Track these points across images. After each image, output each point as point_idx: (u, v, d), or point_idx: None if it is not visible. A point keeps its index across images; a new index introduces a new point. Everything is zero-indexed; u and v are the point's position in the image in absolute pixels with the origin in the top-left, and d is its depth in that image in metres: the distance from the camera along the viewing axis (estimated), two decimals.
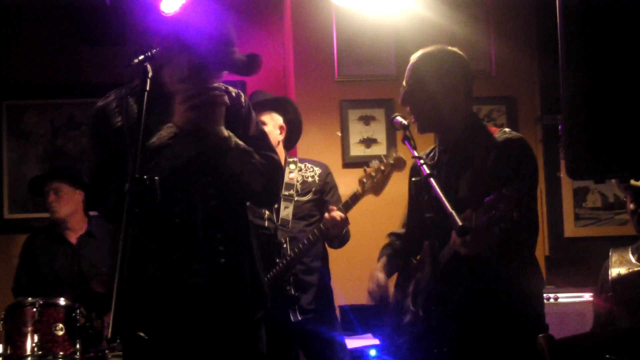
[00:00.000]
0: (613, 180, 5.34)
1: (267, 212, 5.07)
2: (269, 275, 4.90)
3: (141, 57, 3.14)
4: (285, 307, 4.96)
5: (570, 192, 6.79)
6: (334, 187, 5.26)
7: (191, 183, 3.49)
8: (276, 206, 5.07)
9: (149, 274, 3.21)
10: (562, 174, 6.59)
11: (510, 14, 6.79)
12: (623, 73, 2.72)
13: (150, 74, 3.10)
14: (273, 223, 5.06)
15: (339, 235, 4.96)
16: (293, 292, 4.96)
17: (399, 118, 3.81)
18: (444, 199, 3.33)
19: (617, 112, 2.73)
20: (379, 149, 6.58)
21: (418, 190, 3.64)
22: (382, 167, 4.70)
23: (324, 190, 5.20)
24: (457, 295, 3.63)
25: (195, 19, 3.71)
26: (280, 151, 5.22)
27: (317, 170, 5.25)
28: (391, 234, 4.36)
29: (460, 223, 3.21)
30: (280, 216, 5.07)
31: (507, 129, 3.85)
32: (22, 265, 6.18)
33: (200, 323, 3.50)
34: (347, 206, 4.90)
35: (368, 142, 6.66)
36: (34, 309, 5.27)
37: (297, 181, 5.17)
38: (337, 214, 4.86)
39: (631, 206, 4.90)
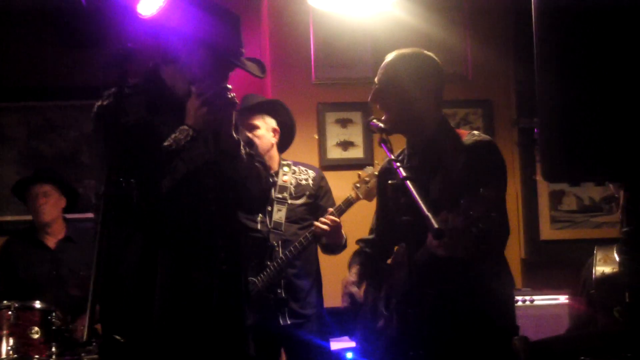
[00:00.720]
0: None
1: (260, 215, 5.07)
2: (259, 278, 4.91)
3: (119, 59, 3.15)
4: (275, 309, 4.96)
5: (546, 195, 6.81)
6: (328, 192, 5.26)
7: (197, 188, 3.49)
8: (269, 209, 5.08)
9: (158, 280, 3.22)
10: (538, 177, 6.61)
11: (487, 17, 6.81)
12: (598, 76, 2.73)
13: (127, 76, 3.11)
14: (266, 226, 5.07)
15: (334, 241, 4.96)
16: (283, 295, 4.97)
17: (375, 121, 3.82)
18: (420, 201, 3.34)
19: (592, 115, 2.74)
20: (356, 152, 6.59)
21: (394, 193, 3.64)
22: (376, 173, 4.70)
23: (318, 195, 5.20)
24: (431, 298, 3.63)
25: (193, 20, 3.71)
26: (274, 154, 5.26)
27: (311, 174, 5.26)
28: (360, 241, 4.35)
29: (436, 226, 3.22)
30: (273, 219, 5.08)
31: (475, 132, 3.88)
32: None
33: (199, 328, 3.49)
34: (340, 211, 4.93)
35: (345, 144, 6.66)
36: (10, 312, 5.24)
37: (291, 184, 5.18)
38: (329, 219, 4.85)
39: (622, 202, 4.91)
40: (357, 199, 4.87)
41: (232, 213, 3.74)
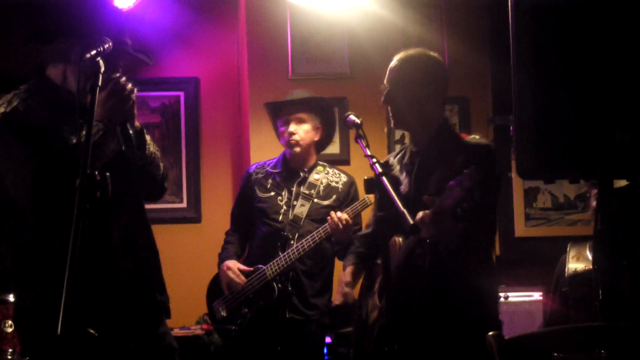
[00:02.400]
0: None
1: (284, 207, 5.11)
2: (270, 267, 4.93)
3: (93, 52, 3.12)
4: (279, 300, 4.97)
5: (521, 192, 6.84)
6: (355, 199, 5.19)
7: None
8: (295, 202, 5.10)
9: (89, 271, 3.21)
10: (513, 174, 6.63)
11: (463, 14, 6.82)
12: (572, 74, 2.75)
13: (102, 69, 3.08)
14: (287, 217, 5.12)
15: (345, 239, 4.96)
16: (290, 289, 4.98)
17: (352, 117, 3.85)
18: (395, 197, 3.37)
19: (566, 113, 2.76)
20: (333, 148, 6.57)
21: (369, 189, 3.67)
22: None
23: (345, 201, 5.19)
24: (420, 287, 3.77)
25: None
26: (312, 152, 5.30)
27: (343, 178, 5.27)
28: (358, 238, 4.50)
29: (411, 222, 3.27)
30: (294, 212, 5.10)
31: (477, 136, 4.06)
32: None
33: (123, 315, 3.55)
34: (354, 210, 4.93)
35: None
36: None
37: (321, 183, 5.19)
38: (343, 216, 4.85)
39: (594, 204, 4.98)
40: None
41: (139, 200, 3.78)
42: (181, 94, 7.11)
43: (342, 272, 4.43)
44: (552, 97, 2.75)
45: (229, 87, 7.09)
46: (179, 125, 7.08)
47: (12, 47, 6.91)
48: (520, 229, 6.84)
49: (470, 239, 3.74)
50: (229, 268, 5.09)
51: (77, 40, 3.46)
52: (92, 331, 3.04)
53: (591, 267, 4.84)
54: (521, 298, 5.98)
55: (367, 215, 4.78)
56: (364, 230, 4.52)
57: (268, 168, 5.32)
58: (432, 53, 4.11)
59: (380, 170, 3.52)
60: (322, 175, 5.24)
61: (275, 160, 5.37)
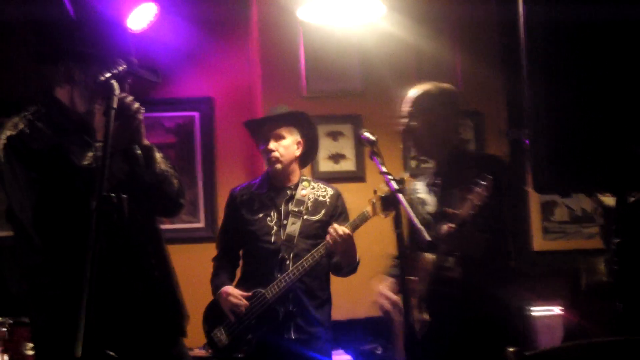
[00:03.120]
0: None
1: (275, 227, 5.06)
2: (269, 290, 4.89)
3: (108, 75, 3.13)
4: (283, 323, 4.94)
5: (537, 205, 6.83)
6: (344, 212, 5.17)
7: None
8: (285, 222, 5.06)
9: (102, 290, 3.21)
10: (529, 188, 6.62)
11: (476, 29, 6.83)
12: (586, 88, 2.74)
13: (117, 92, 3.08)
14: (279, 238, 5.05)
15: (347, 260, 4.94)
16: (292, 309, 4.94)
17: (366, 134, 3.86)
18: (412, 214, 3.38)
19: (581, 126, 2.75)
20: (348, 165, 6.60)
21: (385, 206, 3.72)
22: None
23: (334, 214, 5.15)
24: (454, 298, 4.04)
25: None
26: (296, 167, 5.21)
27: (330, 192, 5.19)
28: (392, 257, 4.58)
29: (428, 238, 3.28)
30: (287, 232, 5.02)
31: (484, 152, 4.27)
32: None
33: (136, 336, 3.53)
34: (354, 226, 4.86)
35: (336, 157, 6.67)
36: (4, 329, 5.23)
37: (309, 199, 5.11)
38: (342, 229, 4.82)
39: (602, 221, 5.02)
40: (374, 214, 4.83)
41: (154, 219, 3.77)
42: (196, 114, 7.13)
43: (382, 281, 4.50)
44: (566, 111, 2.75)
45: (243, 106, 7.10)
46: (194, 145, 7.09)
47: (19, 68, 6.95)
48: (538, 242, 6.82)
49: (491, 248, 3.99)
50: (228, 294, 5.00)
51: (83, 61, 3.47)
52: (111, 353, 3.04)
53: (606, 280, 4.85)
54: (540, 313, 5.95)
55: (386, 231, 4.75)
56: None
57: (253, 189, 5.22)
58: (447, 86, 4.42)
59: (396, 187, 3.53)
60: (309, 191, 5.16)
61: (258, 180, 5.28)
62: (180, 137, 7.08)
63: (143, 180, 3.52)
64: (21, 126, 3.47)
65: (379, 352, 6.00)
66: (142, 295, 3.56)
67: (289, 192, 5.14)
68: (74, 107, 3.53)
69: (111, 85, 3.09)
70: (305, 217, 5.06)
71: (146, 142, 3.56)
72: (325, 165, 6.65)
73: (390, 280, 4.47)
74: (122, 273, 3.48)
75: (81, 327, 2.68)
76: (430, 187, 4.37)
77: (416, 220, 3.41)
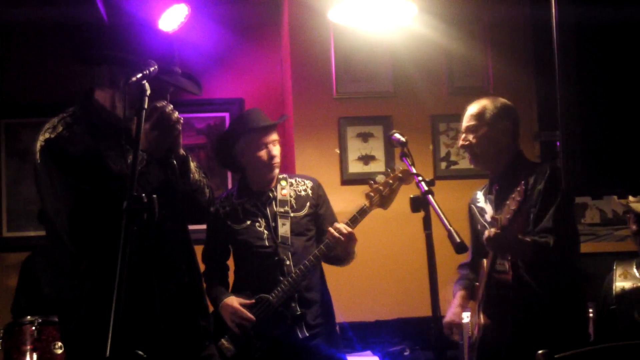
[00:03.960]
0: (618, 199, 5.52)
1: (266, 232, 5.04)
2: (273, 295, 4.88)
3: (139, 76, 3.13)
4: (292, 324, 4.93)
5: None
6: (326, 200, 5.20)
7: None
8: (273, 224, 5.05)
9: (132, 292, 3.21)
10: None
11: (507, 31, 6.80)
12: (618, 89, 2.72)
13: (148, 92, 3.09)
14: (273, 241, 5.03)
15: (347, 253, 4.95)
16: (299, 311, 4.94)
17: (397, 135, 3.86)
18: (442, 215, 3.37)
19: (613, 128, 2.73)
20: (378, 166, 6.59)
21: (416, 207, 3.68)
22: (390, 181, 4.68)
23: (318, 204, 5.15)
24: (509, 301, 4.13)
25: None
26: None
27: (309, 184, 5.19)
28: (461, 266, 4.79)
29: (458, 240, 3.28)
30: (279, 233, 5.01)
31: (547, 161, 4.34)
32: (21, 285, 6.16)
33: (167, 343, 3.54)
34: (354, 221, 4.84)
35: (366, 159, 6.67)
36: (33, 327, 5.27)
37: (291, 197, 5.11)
38: (343, 227, 4.82)
39: (633, 227, 5.07)
40: (372, 207, 4.82)
41: (184, 226, 3.78)
42: (226, 115, 7.15)
43: (454, 295, 4.65)
44: (599, 112, 2.73)
45: (273, 108, 7.10)
46: None
47: (56, 70, 7.00)
48: None
49: (542, 251, 4.07)
50: (233, 308, 4.93)
51: (125, 65, 3.43)
52: (140, 353, 3.05)
53: (639, 284, 4.84)
54: None
55: (394, 228, 4.75)
56: (466, 260, 4.72)
57: (233, 199, 5.16)
58: (501, 99, 4.56)
59: (426, 188, 3.52)
60: (288, 190, 5.14)
61: (235, 189, 5.25)
62: (210, 138, 7.10)
63: (177, 189, 3.53)
64: (59, 129, 3.47)
65: (406, 353, 5.99)
66: (172, 299, 3.57)
67: (270, 194, 5.11)
68: (113, 111, 3.53)
69: (143, 86, 3.10)
70: (292, 215, 5.06)
71: (183, 152, 3.57)
72: (355, 166, 6.65)
73: (460, 294, 4.63)
74: (152, 275, 3.49)
75: (111, 328, 2.69)
76: (487, 196, 4.54)
77: (447, 222, 3.40)
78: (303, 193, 5.14)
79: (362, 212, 4.83)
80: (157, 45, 3.60)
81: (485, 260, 4.25)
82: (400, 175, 4.64)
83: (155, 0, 5.92)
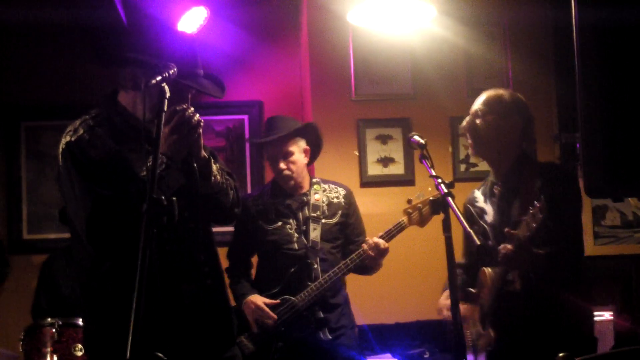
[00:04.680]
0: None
1: (296, 234, 5.06)
2: (299, 297, 4.89)
3: (158, 78, 3.13)
4: (316, 328, 4.94)
5: (589, 210, 6.76)
6: (356, 209, 5.24)
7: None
8: (304, 228, 5.07)
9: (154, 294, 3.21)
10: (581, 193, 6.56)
11: (527, 32, 6.78)
12: (639, 91, 2.71)
13: (167, 95, 3.09)
14: (303, 245, 5.04)
15: (377, 264, 4.96)
16: (322, 316, 4.95)
17: (416, 137, 3.84)
18: (462, 217, 3.37)
19: (634, 130, 2.72)
20: (397, 168, 6.58)
21: (435, 209, 3.67)
22: (431, 198, 4.69)
23: (349, 213, 5.18)
24: (518, 312, 4.02)
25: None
26: (306, 174, 5.24)
27: (342, 192, 5.22)
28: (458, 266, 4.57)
29: (478, 242, 3.28)
30: (310, 237, 5.04)
31: (554, 161, 4.17)
32: (41, 287, 6.18)
33: (190, 344, 3.54)
34: (390, 235, 4.87)
35: (385, 161, 6.66)
36: (54, 330, 5.28)
37: (323, 202, 5.13)
38: (382, 243, 4.85)
39: None
40: (409, 224, 4.84)
41: (208, 228, 3.77)
42: (245, 117, 7.15)
43: (442, 295, 4.49)
44: (619, 114, 2.71)
45: (292, 110, 7.10)
46: (244, 148, 7.12)
47: (76, 73, 7.02)
48: (589, 247, 6.74)
49: (555, 261, 3.94)
50: (256, 306, 4.97)
51: (148, 68, 3.39)
52: (160, 355, 3.05)
53: None
54: None
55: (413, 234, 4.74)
56: (460, 261, 4.49)
57: (266, 198, 5.21)
58: (519, 95, 4.34)
59: (445, 190, 3.51)
60: (321, 195, 5.18)
61: (269, 188, 5.29)
62: (230, 140, 7.11)
63: (198, 191, 3.53)
64: (81, 132, 3.47)
65: (426, 356, 5.98)
66: (195, 301, 3.57)
67: (304, 198, 5.16)
68: (136, 113, 3.51)
69: (162, 89, 3.10)
70: (323, 221, 5.08)
71: (204, 154, 3.56)
72: (374, 168, 6.64)
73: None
74: (174, 277, 3.49)
75: (131, 330, 2.69)
76: (488, 196, 4.33)
77: (466, 225, 3.39)
78: (335, 200, 5.16)
79: (399, 228, 4.86)
80: (181, 48, 3.60)
81: (487, 270, 4.14)
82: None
83: (174, 3, 5.93)
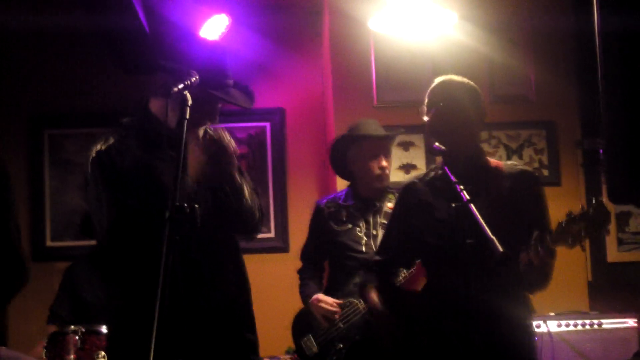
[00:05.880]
0: None
1: (365, 238, 5.09)
2: (362, 301, 4.91)
3: (181, 86, 3.14)
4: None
5: (612, 216, 6.73)
6: None
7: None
8: (374, 232, 5.10)
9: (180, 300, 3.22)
10: (604, 199, 6.52)
11: (549, 38, 6.75)
12: None
13: (189, 103, 3.10)
14: (371, 249, 5.06)
15: None
16: None
17: (437, 144, 3.82)
18: (484, 224, 3.35)
19: None
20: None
21: (458, 216, 3.62)
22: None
23: None
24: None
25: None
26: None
27: None
28: (374, 265, 4.37)
29: (500, 249, 3.25)
30: (378, 243, 5.06)
31: (515, 162, 4.03)
32: (62, 293, 6.19)
33: (211, 353, 3.56)
34: None
35: (407, 167, 6.65)
36: (77, 337, 5.28)
37: None
38: None
39: None
40: None
41: (234, 239, 3.79)
42: (267, 124, 7.17)
43: (366, 294, 4.38)
44: None
45: (314, 117, 7.12)
46: (266, 155, 7.14)
47: (99, 81, 7.06)
48: (613, 254, 6.71)
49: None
50: (320, 300, 5.05)
51: (179, 75, 3.40)
52: None
53: None
54: (615, 325, 5.85)
55: None
56: (378, 257, 4.32)
57: (339, 202, 5.27)
58: (470, 81, 4.05)
59: (467, 197, 3.50)
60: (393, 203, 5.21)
61: (344, 193, 5.34)
62: (251, 147, 7.13)
63: (232, 207, 3.56)
64: (111, 141, 3.51)
65: None
66: (218, 310, 3.57)
67: (377, 203, 5.20)
68: (167, 121, 3.48)
69: (185, 96, 3.11)
70: None
71: (238, 181, 3.59)
72: (396, 175, 6.61)
73: (373, 292, 4.35)
74: (199, 285, 3.49)
75: (153, 338, 2.70)
76: (440, 191, 3.90)
77: (488, 231, 3.36)
78: None
79: None
80: (211, 58, 3.62)
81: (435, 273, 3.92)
82: None
83: (196, 10, 5.95)
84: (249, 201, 3.66)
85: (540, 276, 3.63)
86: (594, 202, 3.35)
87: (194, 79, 3.22)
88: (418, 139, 6.64)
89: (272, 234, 7.07)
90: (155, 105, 3.61)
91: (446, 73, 4.11)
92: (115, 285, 3.52)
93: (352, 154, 5.24)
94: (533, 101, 6.73)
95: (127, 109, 3.75)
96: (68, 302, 6.11)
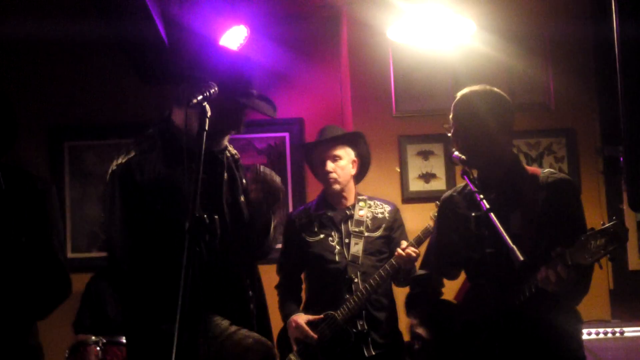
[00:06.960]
0: None
1: (337, 247, 5.09)
2: (339, 312, 4.91)
3: (200, 97, 3.14)
4: (358, 342, 4.96)
5: (633, 224, 6.69)
6: (402, 226, 5.27)
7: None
8: (347, 241, 5.09)
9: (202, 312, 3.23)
10: (625, 206, 6.50)
11: (568, 46, 6.74)
12: None
13: (209, 114, 3.10)
14: (344, 258, 5.07)
15: (409, 270, 4.95)
16: (366, 328, 4.96)
17: (457, 153, 3.81)
18: (504, 233, 3.34)
19: None
20: (438, 184, 6.56)
21: (477, 226, 3.62)
22: None
23: (393, 228, 5.20)
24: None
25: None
26: (352, 186, 5.31)
27: (387, 208, 5.27)
28: (414, 280, 4.40)
29: (521, 258, 3.23)
30: (351, 252, 5.07)
31: (552, 169, 3.87)
32: (85, 305, 6.20)
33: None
34: (418, 241, 4.93)
35: (427, 177, 6.64)
36: (98, 348, 5.31)
37: (367, 217, 5.18)
38: (411, 250, 4.87)
39: None
40: None
41: (251, 252, 3.83)
42: (286, 134, 7.17)
43: (409, 312, 4.23)
44: None
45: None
46: (285, 165, 7.14)
47: (119, 93, 7.08)
48: (634, 261, 6.68)
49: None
50: (297, 324, 5.02)
51: (200, 85, 3.34)
52: None
53: None
54: (637, 333, 5.82)
55: None
56: (422, 272, 4.27)
57: (310, 211, 5.28)
58: (496, 89, 3.96)
59: (487, 206, 3.49)
60: (366, 211, 5.23)
61: (314, 203, 5.35)
62: (271, 157, 7.13)
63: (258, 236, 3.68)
64: (131, 154, 3.51)
65: None
66: (236, 316, 3.57)
67: (347, 212, 5.23)
68: (189, 131, 3.35)
69: (204, 108, 3.11)
70: (366, 234, 5.12)
71: (270, 214, 3.69)
72: (415, 184, 6.62)
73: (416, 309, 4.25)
74: (217, 299, 3.50)
75: (174, 346, 2.70)
76: (469, 201, 3.89)
77: (509, 240, 3.35)
78: (380, 215, 5.20)
79: (426, 233, 4.88)
80: (236, 67, 3.64)
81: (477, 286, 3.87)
82: None
83: (216, 22, 5.97)
84: (273, 233, 3.78)
85: (572, 290, 3.52)
86: (614, 218, 3.26)
87: (213, 90, 3.21)
88: (438, 148, 6.64)
89: None
90: (177, 116, 3.62)
91: (465, 82, 4.06)
92: (134, 298, 3.53)
93: (310, 160, 5.41)
94: (552, 109, 6.71)
95: (148, 120, 3.75)
96: (90, 315, 6.13)
